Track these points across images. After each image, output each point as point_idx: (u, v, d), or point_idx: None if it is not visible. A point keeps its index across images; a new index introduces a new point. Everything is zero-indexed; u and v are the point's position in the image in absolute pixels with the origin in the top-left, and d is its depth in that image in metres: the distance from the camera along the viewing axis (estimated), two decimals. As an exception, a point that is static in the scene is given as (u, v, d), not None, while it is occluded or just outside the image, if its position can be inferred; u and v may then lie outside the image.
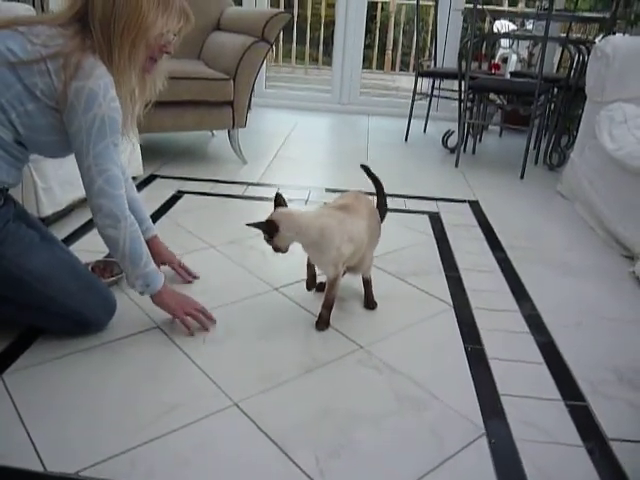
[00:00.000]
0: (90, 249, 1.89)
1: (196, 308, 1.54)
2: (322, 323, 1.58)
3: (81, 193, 1.76)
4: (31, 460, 1.07)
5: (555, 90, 3.73)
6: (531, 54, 4.54)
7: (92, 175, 1.32)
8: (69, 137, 1.32)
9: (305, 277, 1.74)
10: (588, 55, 3.15)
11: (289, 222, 1.50)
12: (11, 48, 1.24)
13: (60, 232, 2.02)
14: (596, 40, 3.40)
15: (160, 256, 1.75)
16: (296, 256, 1.67)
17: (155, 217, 2.31)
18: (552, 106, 3.87)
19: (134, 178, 2.71)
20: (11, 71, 1.24)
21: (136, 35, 1.29)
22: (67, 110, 1.28)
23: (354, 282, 1.79)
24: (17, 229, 1.35)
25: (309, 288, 1.74)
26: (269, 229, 1.48)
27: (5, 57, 1.24)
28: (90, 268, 1.73)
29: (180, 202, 2.51)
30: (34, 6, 2.97)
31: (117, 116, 1.32)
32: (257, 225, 1.48)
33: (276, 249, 1.53)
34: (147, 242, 1.55)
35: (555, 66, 4.53)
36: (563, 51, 4.28)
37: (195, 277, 1.80)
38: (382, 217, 1.74)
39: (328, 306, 1.59)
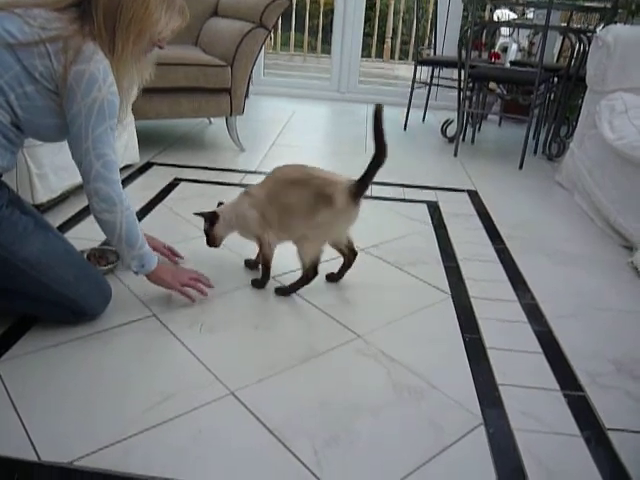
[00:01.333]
0: (85, 237, 1.88)
1: (191, 277, 1.60)
2: (257, 283, 1.72)
3: (76, 180, 1.75)
4: (25, 449, 1.06)
5: (555, 80, 3.71)
6: (531, 43, 4.50)
7: (90, 159, 1.33)
8: (67, 121, 1.32)
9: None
10: (589, 45, 3.12)
11: (225, 213, 1.71)
12: (8, 29, 1.23)
13: (55, 219, 2.00)
14: (597, 30, 3.37)
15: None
16: (293, 247, 1.66)
17: (151, 205, 2.29)
18: (552, 96, 3.85)
19: (130, 166, 2.70)
20: (10, 52, 1.23)
21: (141, 30, 1.31)
22: (66, 93, 1.27)
23: (350, 271, 1.78)
24: (11, 215, 1.33)
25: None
26: (212, 218, 1.70)
27: (3, 38, 1.22)
28: (85, 256, 1.72)
29: (177, 190, 2.49)
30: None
31: (116, 100, 1.33)
32: (202, 214, 1.71)
33: (212, 241, 1.74)
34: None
35: (555, 56, 4.51)
36: (564, 40, 4.25)
37: (180, 257, 1.82)
38: (357, 192, 1.59)
39: (264, 265, 1.72)
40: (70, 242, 1.53)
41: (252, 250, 1.81)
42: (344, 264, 1.78)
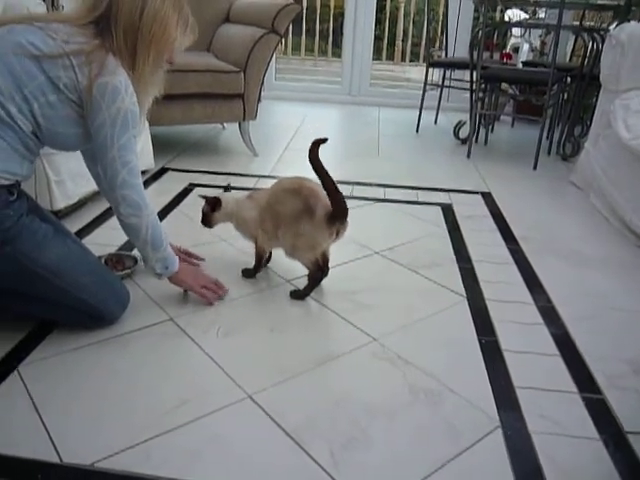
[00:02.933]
0: (103, 242, 1.90)
1: (210, 281, 1.67)
2: (247, 273, 1.80)
3: (93, 186, 1.78)
4: (47, 451, 1.08)
5: (568, 79, 3.69)
6: (543, 43, 4.48)
7: (116, 167, 1.38)
8: (91, 131, 1.36)
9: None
10: (602, 43, 3.10)
11: (229, 204, 1.79)
12: (32, 41, 1.26)
13: (72, 225, 2.03)
14: (610, 28, 3.35)
15: None
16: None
17: (167, 210, 2.32)
18: (565, 95, 3.83)
19: (145, 171, 2.72)
20: (35, 63, 1.26)
21: (160, 49, 1.38)
22: (90, 105, 1.32)
23: (364, 275, 1.78)
24: (31, 223, 1.35)
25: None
26: (214, 204, 1.79)
27: (28, 50, 1.26)
28: (103, 261, 1.74)
29: (191, 195, 2.51)
30: (44, 0, 2.97)
31: (137, 110, 1.38)
32: (206, 198, 1.80)
33: (207, 222, 1.82)
34: None
35: (568, 55, 4.48)
36: (576, 39, 4.23)
37: (200, 259, 1.84)
38: (336, 214, 1.59)
39: (256, 258, 1.80)
40: (88, 248, 1.55)
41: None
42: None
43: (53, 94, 1.29)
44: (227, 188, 1.92)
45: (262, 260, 1.81)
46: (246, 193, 1.84)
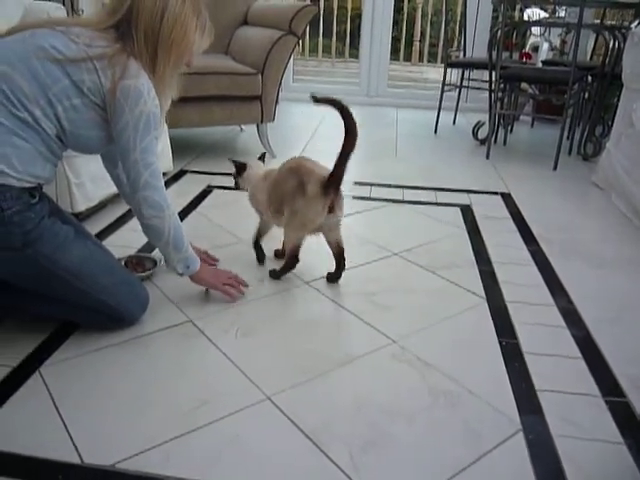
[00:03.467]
0: (123, 244, 1.91)
1: (230, 276, 1.69)
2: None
3: (113, 189, 1.79)
4: (68, 452, 1.09)
5: (589, 78, 3.64)
6: (564, 42, 4.43)
7: (139, 169, 1.39)
8: (114, 134, 1.38)
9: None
10: (624, 42, 3.06)
11: (252, 174, 1.88)
12: (54, 45, 1.28)
13: (93, 227, 2.04)
14: (632, 26, 3.30)
15: None
16: (327, 251, 1.66)
17: (185, 212, 2.33)
18: (586, 95, 3.78)
19: (164, 173, 2.74)
20: (58, 67, 1.28)
21: (179, 53, 1.40)
22: (113, 108, 1.33)
23: (383, 276, 1.77)
24: (52, 225, 1.36)
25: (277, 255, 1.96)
26: (239, 168, 1.89)
27: (50, 54, 1.27)
28: (123, 263, 1.75)
29: (210, 197, 2.52)
30: (64, 5, 3.01)
31: (158, 112, 1.40)
32: (235, 161, 1.90)
33: (237, 186, 1.94)
34: None
35: (589, 54, 4.42)
36: (597, 38, 4.17)
37: (216, 260, 1.87)
38: (331, 181, 1.63)
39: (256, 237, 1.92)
40: (108, 249, 1.57)
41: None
42: (335, 264, 1.79)
43: (77, 98, 1.30)
44: (261, 157, 2.00)
45: (259, 238, 1.91)
46: (266, 170, 1.90)
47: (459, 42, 5.41)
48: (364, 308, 1.65)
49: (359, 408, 1.24)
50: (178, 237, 1.49)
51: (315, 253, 1.76)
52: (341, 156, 1.61)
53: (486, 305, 1.69)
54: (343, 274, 1.78)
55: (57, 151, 1.37)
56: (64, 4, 3.04)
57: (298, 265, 1.77)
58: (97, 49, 1.30)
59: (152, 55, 1.36)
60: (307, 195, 1.63)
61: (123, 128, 1.35)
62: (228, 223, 2.22)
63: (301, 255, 1.74)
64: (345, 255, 1.77)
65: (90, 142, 1.41)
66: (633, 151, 2.50)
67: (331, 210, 1.65)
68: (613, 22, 4.35)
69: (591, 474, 1.10)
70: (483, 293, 1.76)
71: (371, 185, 2.75)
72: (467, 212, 2.47)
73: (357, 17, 5.99)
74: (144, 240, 1.96)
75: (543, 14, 4.65)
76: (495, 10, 4.64)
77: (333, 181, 1.62)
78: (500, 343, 1.50)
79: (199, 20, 1.41)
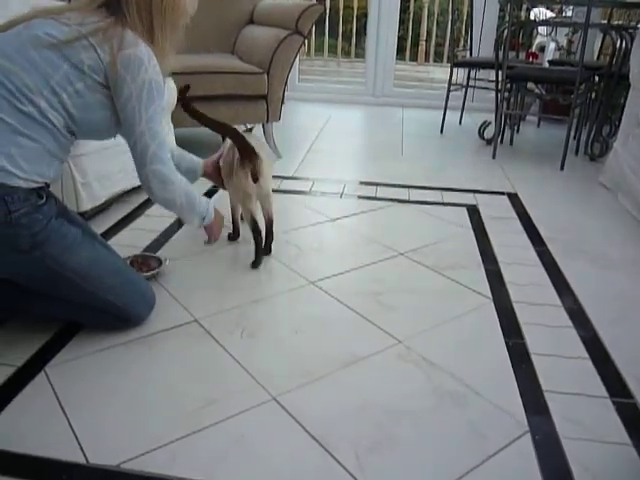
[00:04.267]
0: (128, 244, 1.91)
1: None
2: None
3: (118, 188, 1.79)
4: (74, 452, 1.09)
5: (596, 78, 3.62)
6: (570, 41, 4.41)
7: (146, 140, 1.39)
8: (118, 108, 1.37)
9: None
10: (631, 42, 3.04)
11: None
12: (49, 32, 1.28)
13: (98, 227, 2.05)
14: (639, 26, 3.28)
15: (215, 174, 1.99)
16: (332, 251, 1.65)
17: (191, 212, 2.32)
18: (593, 95, 3.76)
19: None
20: (55, 52, 1.27)
21: (175, 20, 1.40)
22: (115, 80, 1.32)
23: (389, 276, 1.77)
24: (60, 227, 1.35)
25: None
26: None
27: (45, 40, 1.27)
28: (129, 262, 1.75)
29: (215, 197, 2.52)
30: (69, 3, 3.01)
31: (161, 79, 1.39)
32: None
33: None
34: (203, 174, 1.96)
35: (596, 53, 4.40)
36: (604, 38, 4.15)
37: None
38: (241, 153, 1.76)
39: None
40: (114, 249, 1.56)
41: (293, 256, 1.82)
42: (265, 235, 1.89)
43: (79, 81, 1.29)
44: (250, 129, 2.12)
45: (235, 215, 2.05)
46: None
47: (465, 42, 5.40)
48: (370, 308, 1.64)
49: (365, 409, 1.24)
50: (191, 200, 1.54)
51: (320, 253, 1.75)
52: (235, 139, 1.76)
53: (492, 305, 1.68)
54: (348, 274, 1.77)
55: (66, 145, 1.36)
56: (70, 2, 3.05)
57: (303, 264, 1.77)
58: (90, 25, 1.30)
59: (148, 26, 1.35)
60: (233, 171, 1.79)
61: (127, 99, 1.34)
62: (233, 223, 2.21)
63: (305, 255, 1.74)
64: (273, 229, 1.90)
65: (100, 125, 1.40)
66: (641, 151, 2.49)
67: (255, 180, 1.76)
68: (620, 22, 4.33)
69: (598, 475, 1.09)
70: (489, 293, 1.76)
71: (377, 185, 2.74)
72: (473, 212, 2.46)
73: (363, 16, 5.98)
74: (150, 239, 1.97)
75: (550, 14, 4.64)
76: (502, 10, 4.63)
77: (242, 154, 1.74)
78: (506, 343, 1.50)
79: None
